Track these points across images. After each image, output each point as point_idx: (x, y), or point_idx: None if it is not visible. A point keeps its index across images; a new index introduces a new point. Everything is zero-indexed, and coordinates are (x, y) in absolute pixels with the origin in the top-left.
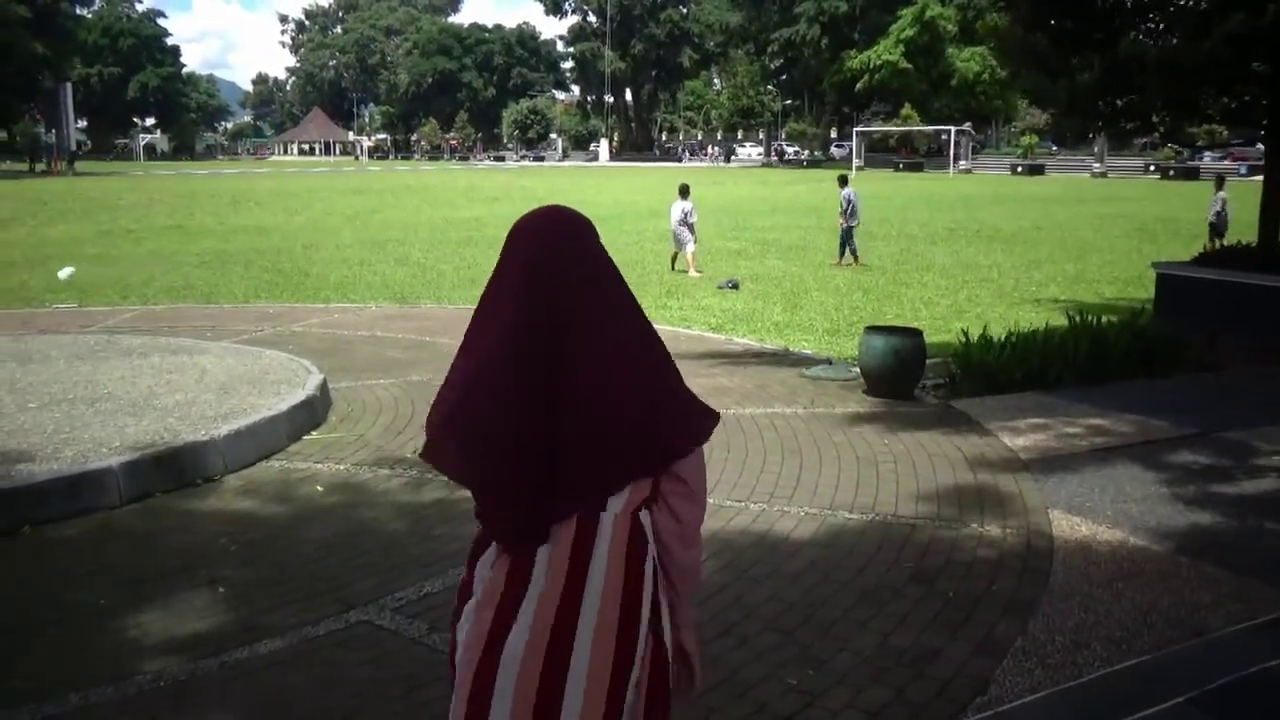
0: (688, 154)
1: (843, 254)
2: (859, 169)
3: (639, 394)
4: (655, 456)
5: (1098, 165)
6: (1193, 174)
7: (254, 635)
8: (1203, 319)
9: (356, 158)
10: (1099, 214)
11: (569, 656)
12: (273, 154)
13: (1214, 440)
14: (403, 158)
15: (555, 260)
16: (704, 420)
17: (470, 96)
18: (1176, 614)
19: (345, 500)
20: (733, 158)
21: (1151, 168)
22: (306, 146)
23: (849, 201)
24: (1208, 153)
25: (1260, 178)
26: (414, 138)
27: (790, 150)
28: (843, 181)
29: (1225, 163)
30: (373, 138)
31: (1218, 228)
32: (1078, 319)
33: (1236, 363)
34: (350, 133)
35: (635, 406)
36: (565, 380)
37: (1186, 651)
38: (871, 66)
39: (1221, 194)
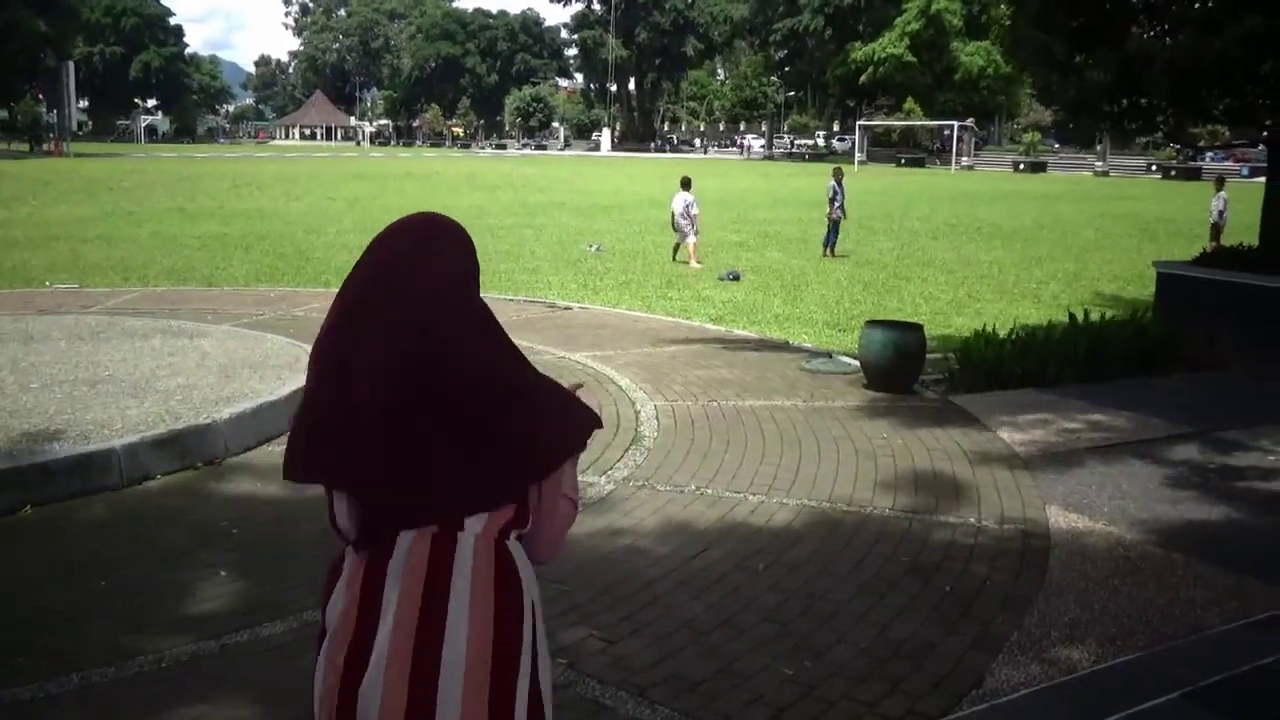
0: (699, 144)
1: (827, 245)
2: (861, 163)
3: (506, 398)
4: (530, 463)
5: (1100, 164)
6: (1194, 174)
7: (255, 618)
8: (1202, 319)
9: (358, 143)
10: (1100, 212)
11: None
12: (274, 137)
13: (1212, 439)
14: (404, 144)
15: (409, 269)
16: (583, 425)
17: (473, 82)
18: (1172, 611)
19: None
20: (750, 151)
21: (1153, 167)
22: (308, 131)
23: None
24: (1210, 153)
25: (1262, 179)
26: (416, 124)
27: (787, 141)
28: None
29: (1227, 164)
30: (374, 123)
31: (1219, 228)
32: (1078, 316)
33: (1235, 363)
34: (352, 117)
35: (503, 409)
36: (424, 387)
37: (1182, 648)
38: (876, 59)
39: (1222, 194)
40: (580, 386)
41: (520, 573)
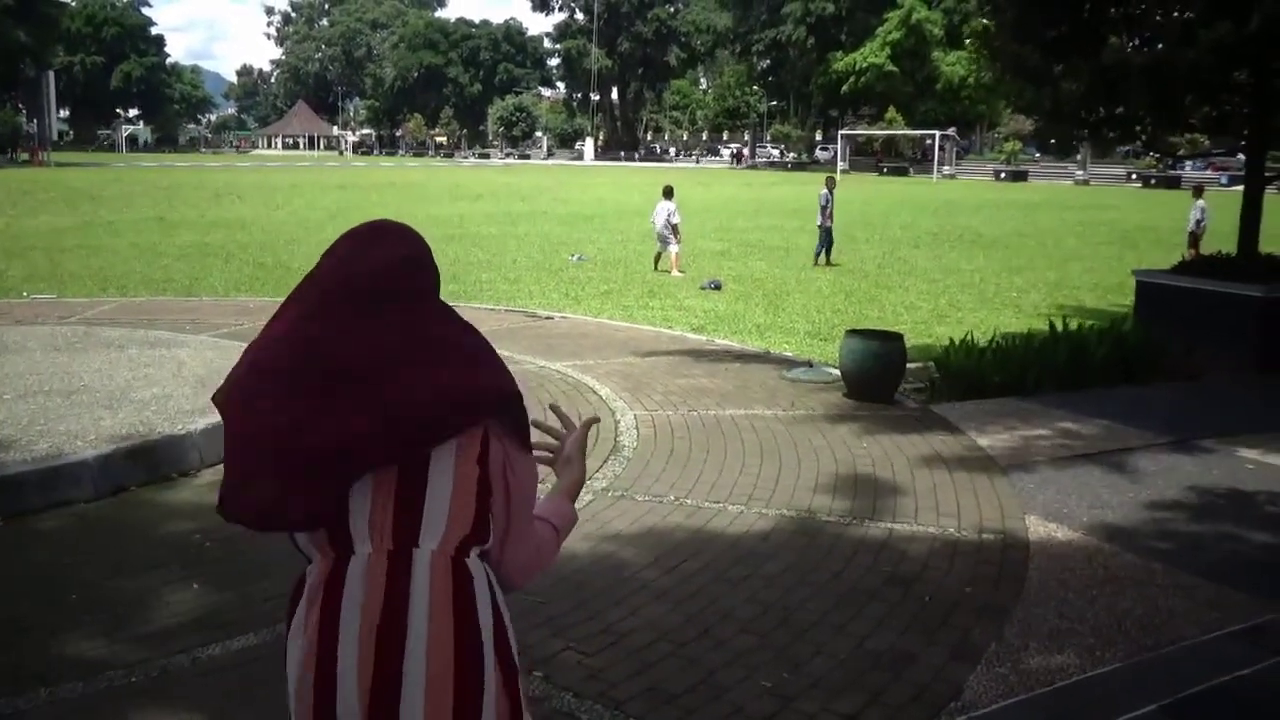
0: (692, 153)
1: (829, 252)
2: (844, 172)
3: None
4: (470, 402)
5: (1080, 172)
6: (1174, 183)
7: (227, 632)
8: (1182, 327)
9: (341, 152)
10: (1081, 221)
11: None
12: (256, 147)
13: (1191, 448)
14: (387, 153)
15: (355, 274)
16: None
17: (456, 92)
18: (1151, 621)
19: None
20: (743, 158)
21: (1133, 176)
22: (290, 140)
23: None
24: (1189, 162)
25: (1240, 188)
26: (399, 133)
27: (774, 152)
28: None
29: (1206, 172)
30: (357, 132)
31: (1196, 236)
32: (1058, 325)
33: (1214, 371)
34: (334, 127)
35: (442, 376)
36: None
37: (1161, 659)
38: (857, 69)
39: (1200, 203)
40: (555, 406)
41: (479, 592)
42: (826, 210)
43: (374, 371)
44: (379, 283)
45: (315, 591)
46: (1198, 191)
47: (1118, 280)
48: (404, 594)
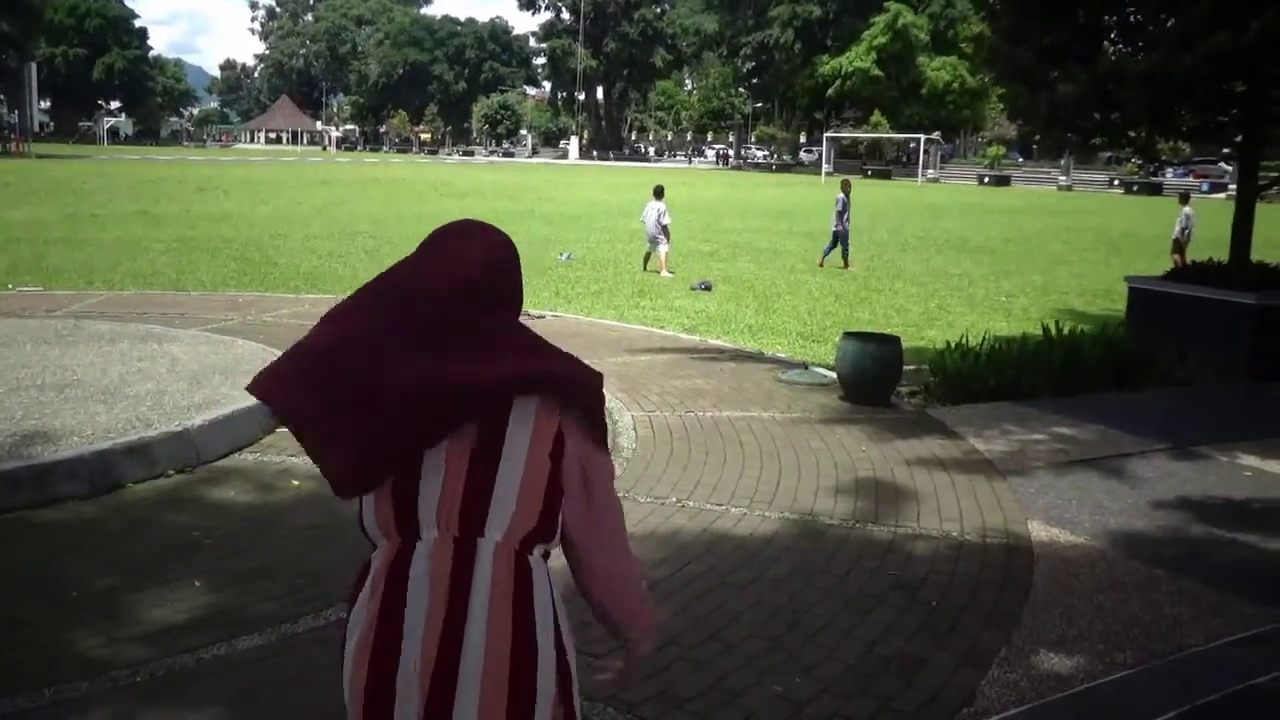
0: (679, 153)
1: (845, 255)
2: (828, 174)
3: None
4: (551, 376)
5: (1063, 178)
6: (1155, 189)
7: (231, 631)
8: (1173, 334)
9: (324, 148)
10: (1065, 226)
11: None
12: (238, 141)
13: (1187, 454)
14: (371, 149)
15: (472, 262)
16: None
17: (440, 89)
18: (1157, 628)
19: (322, 494)
20: (731, 158)
21: (1115, 182)
22: (273, 135)
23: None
24: (1170, 169)
25: (1222, 195)
26: (383, 129)
27: (759, 154)
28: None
29: (1188, 179)
30: (341, 128)
31: (1180, 243)
32: (1052, 329)
33: (1206, 378)
34: (318, 122)
35: (523, 354)
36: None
37: (1172, 666)
38: (843, 73)
39: (1186, 210)
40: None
41: (539, 590)
42: (843, 215)
43: (470, 338)
44: (482, 274)
45: (380, 575)
46: (1184, 198)
47: (1105, 285)
48: (466, 582)
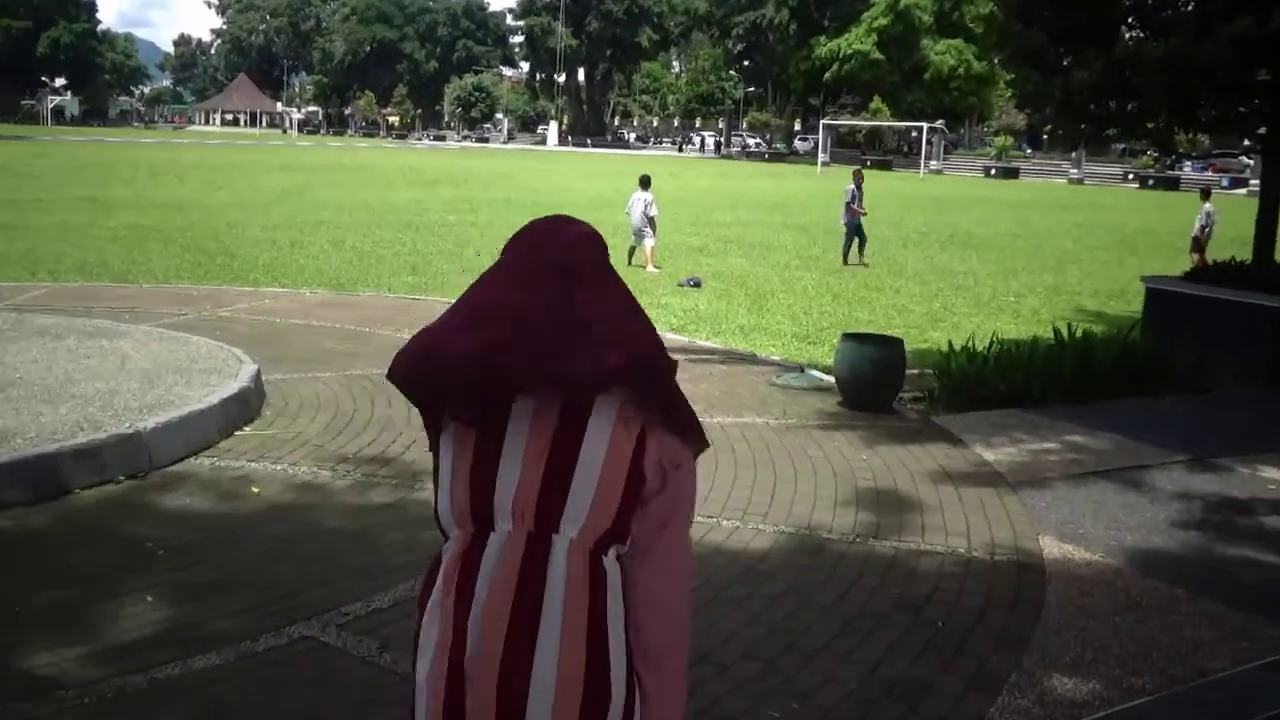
0: (665, 140)
1: (861, 249)
2: (824, 165)
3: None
4: (649, 377)
5: (1074, 171)
6: (1173, 184)
7: (186, 650)
8: (1193, 338)
9: (285, 131)
10: (1077, 222)
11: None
12: (193, 123)
13: (1209, 466)
14: (335, 133)
15: (574, 249)
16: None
17: (410, 69)
18: (1177, 652)
19: (284, 503)
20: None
21: (1130, 176)
22: (230, 116)
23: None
24: (1188, 162)
25: (1243, 191)
26: (348, 112)
27: (751, 142)
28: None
29: (1207, 174)
30: (303, 110)
31: (1200, 241)
32: (1063, 332)
33: (1226, 385)
34: (279, 103)
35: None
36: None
37: (1195, 692)
38: (841, 55)
39: (1207, 206)
40: None
41: (612, 594)
42: (853, 205)
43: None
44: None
45: (452, 566)
46: (1205, 194)
47: (1119, 286)
48: (540, 578)
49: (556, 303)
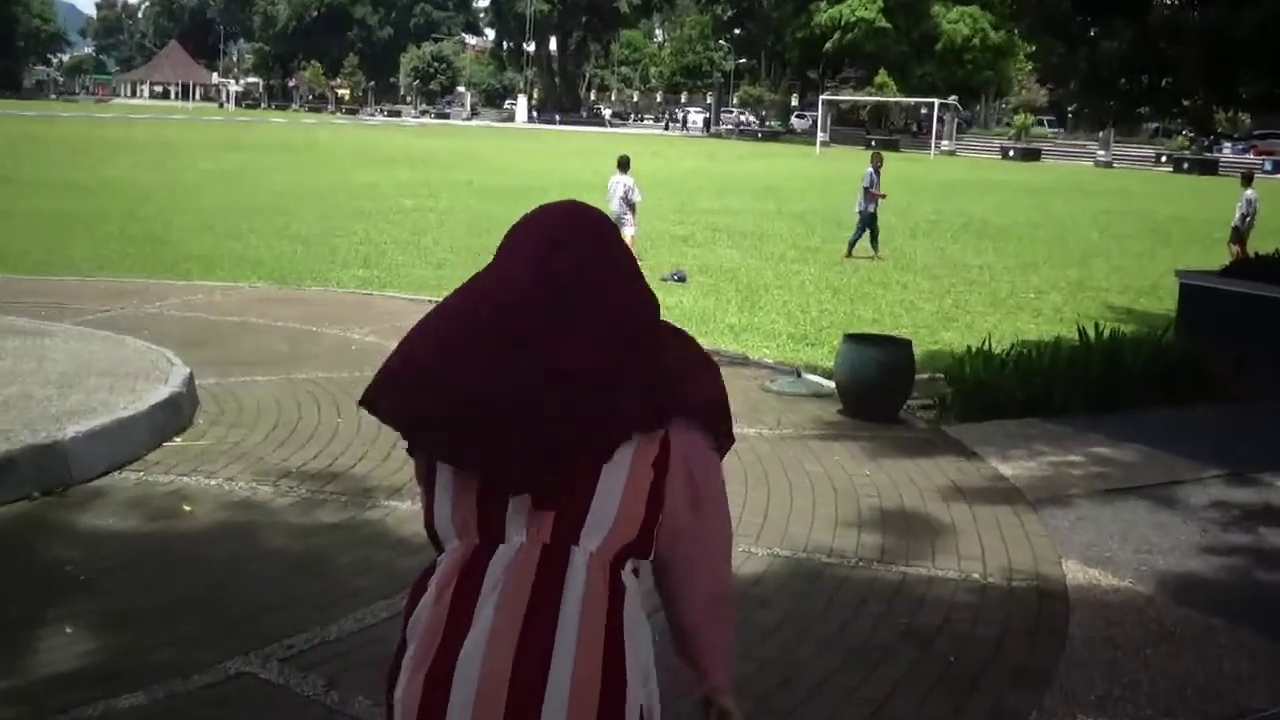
0: (646, 117)
1: (874, 241)
2: (824, 145)
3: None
4: (663, 400)
5: (1102, 153)
6: (1211, 168)
7: (110, 688)
8: (1231, 339)
9: (222, 105)
10: (1104, 210)
11: None
12: (118, 95)
13: (1250, 482)
14: (278, 107)
15: (572, 237)
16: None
17: (363, 36)
18: (1214, 688)
19: (220, 523)
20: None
21: (1163, 158)
22: (160, 88)
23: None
24: (1228, 144)
25: None
26: (292, 84)
27: (745, 119)
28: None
29: (1248, 156)
30: (242, 82)
31: (1240, 231)
32: (1089, 333)
33: (1269, 392)
34: (215, 74)
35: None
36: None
37: None
38: (843, 23)
39: (1248, 193)
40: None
41: (629, 610)
42: (873, 190)
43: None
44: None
45: (448, 578)
46: (1246, 179)
47: (1150, 281)
48: (556, 594)
49: (562, 327)
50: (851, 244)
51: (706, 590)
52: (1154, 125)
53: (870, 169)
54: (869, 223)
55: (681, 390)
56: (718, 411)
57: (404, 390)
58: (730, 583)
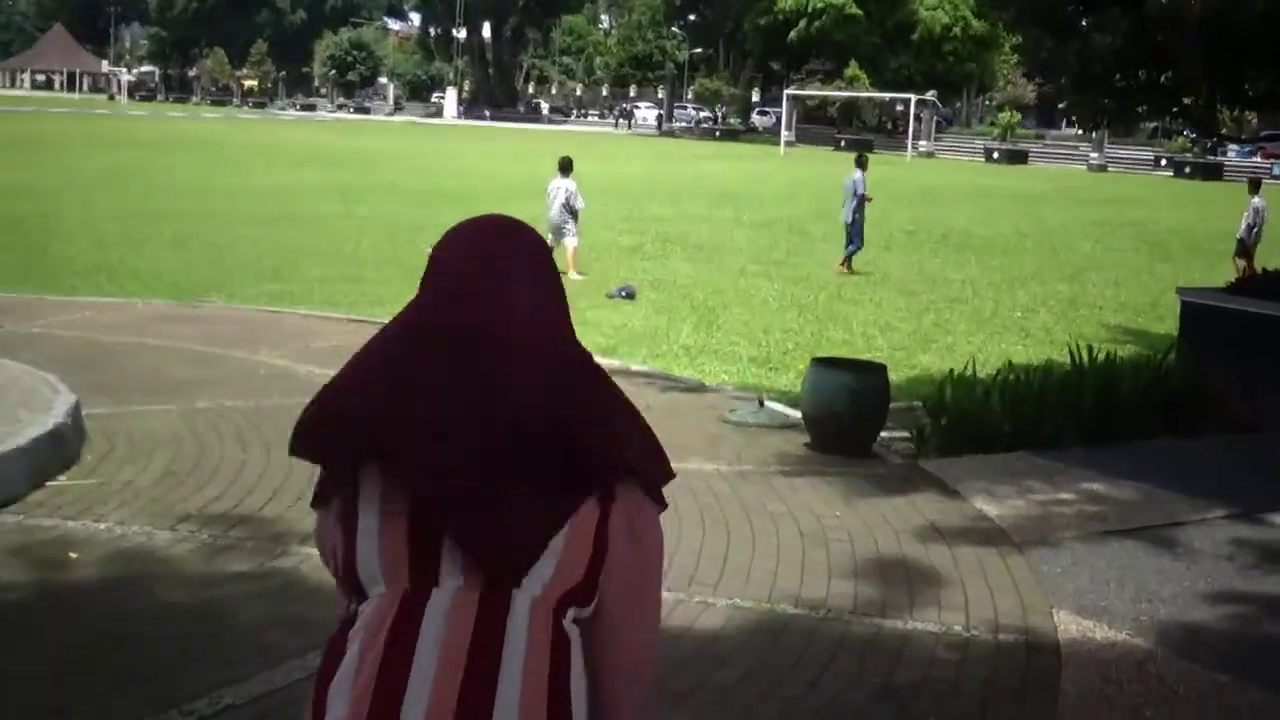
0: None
1: (850, 255)
2: (789, 144)
3: (584, 394)
4: (612, 465)
5: (1095, 155)
6: (1215, 172)
7: None
8: (1237, 363)
9: (112, 96)
10: (1098, 219)
11: None
12: None
13: (1258, 522)
14: (177, 100)
15: (493, 255)
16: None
17: (272, 21)
18: None
19: (110, 573)
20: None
21: (1163, 162)
22: (42, 77)
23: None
24: (1233, 146)
25: None
26: (193, 73)
27: (696, 114)
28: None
29: (1255, 160)
30: (136, 71)
31: (1246, 244)
32: (1082, 356)
33: (1279, 422)
34: (105, 62)
35: (582, 406)
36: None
37: None
38: (810, 9)
39: (1256, 201)
40: None
41: (574, 662)
42: (863, 197)
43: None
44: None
45: (375, 628)
46: (1254, 186)
47: (1149, 299)
48: (498, 640)
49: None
50: (850, 256)
51: (628, 664)
52: (1153, 125)
53: (859, 173)
54: (859, 230)
55: (618, 442)
56: (658, 459)
57: (350, 402)
58: (652, 670)
